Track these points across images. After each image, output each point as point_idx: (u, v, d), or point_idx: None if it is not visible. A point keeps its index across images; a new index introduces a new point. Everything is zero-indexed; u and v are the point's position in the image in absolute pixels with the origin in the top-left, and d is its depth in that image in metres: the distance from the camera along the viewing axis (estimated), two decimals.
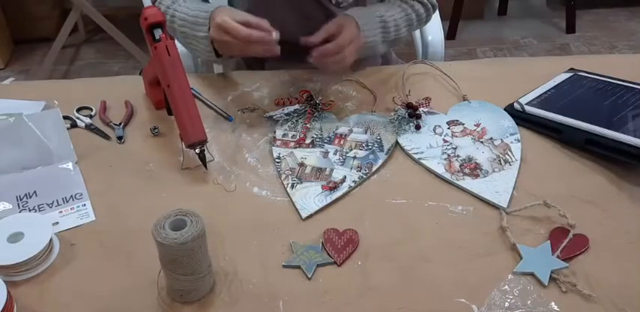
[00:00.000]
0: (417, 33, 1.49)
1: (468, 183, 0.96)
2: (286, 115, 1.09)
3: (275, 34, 0.99)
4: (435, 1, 1.25)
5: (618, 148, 0.96)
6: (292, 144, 1.04)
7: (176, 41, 1.24)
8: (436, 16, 1.46)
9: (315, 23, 1.20)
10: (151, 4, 1.09)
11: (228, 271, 0.83)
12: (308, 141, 1.05)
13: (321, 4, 1.15)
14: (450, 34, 2.91)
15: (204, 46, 1.09)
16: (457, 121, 1.09)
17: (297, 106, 1.10)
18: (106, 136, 1.08)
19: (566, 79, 1.16)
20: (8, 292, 0.74)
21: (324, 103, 1.11)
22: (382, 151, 1.02)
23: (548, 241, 0.85)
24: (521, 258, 0.83)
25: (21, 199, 0.94)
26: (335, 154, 1.02)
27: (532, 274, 0.81)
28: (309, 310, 0.78)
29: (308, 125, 1.08)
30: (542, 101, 1.10)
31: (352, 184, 0.96)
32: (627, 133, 0.96)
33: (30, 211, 0.92)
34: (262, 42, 0.99)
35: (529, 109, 1.08)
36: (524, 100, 1.10)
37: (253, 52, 1.02)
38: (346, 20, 1.08)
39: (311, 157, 1.02)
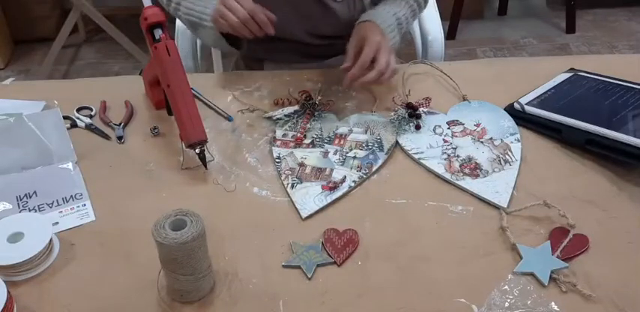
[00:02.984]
0: (417, 33, 1.49)
1: (467, 183, 0.96)
2: (286, 116, 1.09)
3: (271, 30, 1.05)
4: None
5: (618, 148, 0.96)
6: (292, 144, 1.04)
7: (176, 42, 1.25)
8: (436, 16, 1.46)
9: (314, 21, 1.20)
10: (150, 4, 1.09)
11: (228, 271, 0.83)
12: (308, 141, 1.05)
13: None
14: (450, 34, 2.91)
15: (212, 36, 1.12)
16: (457, 121, 1.09)
17: (296, 107, 1.10)
18: (106, 136, 1.08)
19: (566, 79, 1.16)
20: (8, 292, 0.74)
21: (324, 103, 1.11)
22: (382, 151, 1.02)
23: (548, 241, 0.85)
24: (521, 258, 0.83)
25: (21, 199, 0.94)
26: (335, 154, 1.02)
27: (532, 274, 0.81)
28: (309, 310, 0.78)
29: (307, 125, 1.07)
30: (542, 101, 1.10)
31: (352, 184, 0.96)
32: (627, 133, 0.96)
33: (30, 211, 0.92)
34: (260, 22, 1.04)
35: (529, 109, 1.08)
36: (524, 100, 1.10)
37: (244, 29, 1.04)
38: (367, 29, 1.07)
39: (311, 157, 1.02)
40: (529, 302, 0.78)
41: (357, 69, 1.03)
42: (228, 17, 1.04)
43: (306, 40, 1.24)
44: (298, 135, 1.05)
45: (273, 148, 1.03)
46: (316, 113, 1.10)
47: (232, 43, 1.15)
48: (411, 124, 1.07)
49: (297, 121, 1.09)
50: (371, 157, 1.01)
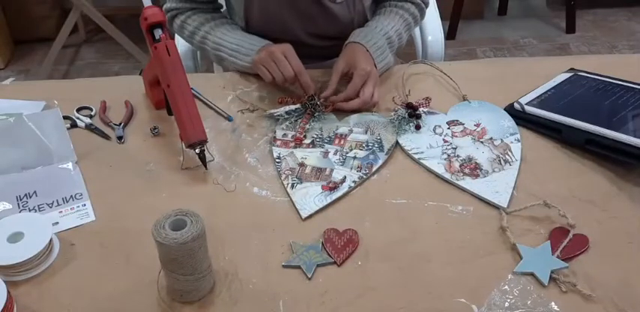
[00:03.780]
0: (417, 33, 1.49)
1: (467, 183, 0.96)
2: (287, 113, 1.09)
3: (311, 92, 1.10)
4: None
5: (618, 148, 0.96)
6: (292, 144, 1.04)
7: (176, 42, 1.25)
8: (436, 16, 1.46)
9: (314, 21, 1.20)
10: (150, 4, 1.09)
11: (228, 271, 0.83)
12: (308, 141, 1.05)
13: (316, 1, 1.15)
14: (450, 34, 2.91)
15: (241, 69, 1.18)
16: (457, 121, 1.09)
17: (298, 106, 1.10)
18: (106, 136, 1.08)
19: (566, 79, 1.16)
20: (8, 292, 0.74)
21: (325, 105, 1.10)
22: (382, 151, 1.02)
23: (548, 241, 0.85)
24: (521, 258, 0.83)
25: (21, 199, 0.94)
26: (335, 154, 1.02)
27: (532, 274, 0.81)
28: (309, 310, 0.78)
29: (306, 126, 1.07)
30: (542, 101, 1.10)
31: (352, 184, 0.96)
32: (627, 133, 0.96)
33: (30, 211, 0.92)
34: (304, 84, 1.09)
35: (529, 109, 1.08)
36: (524, 100, 1.10)
37: (283, 83, 1.10)
38: (357, 56, 1.10)
39: (311, 157, 1.02)
40: (529, 302, 0.78)
41: (343, 98, 1.08)
42: (273, 70, 1.09)
43: (306, 41, 1.24)
44: (297, 135, 1.05)
45: (273, 148, 1.03)
46: (316, 114, 1.10)
47: None
48: (411, 124, 1.07)
49: (296, 120, 1.09)
50: (371, 157, 1.01)
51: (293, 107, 1.09)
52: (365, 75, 1.07)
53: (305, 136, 1.06)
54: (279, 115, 1.09)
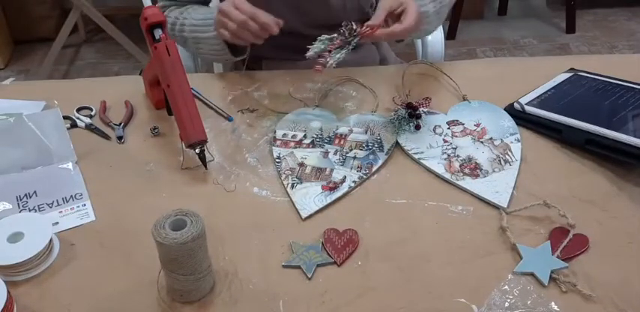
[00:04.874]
0: None
1: (467, 183, 0.96)
2: (322, 43, 1.01)
3: (276, 29, 1.03)
4: None
5: (618, 148, 0.96)
6: (292, 144, 1.04)
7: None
8: None
9: (307, 10, 1.20)
10: (150, 4, 1.09)
11: (228, 271, 0.83)
12: (308, 141, 1.05)
13: None
14: (450, 34, 2.91)
15: (215, 45, 1.13)
16: (457, 121, 1.09)
17: (334, 35, 1.01)
18: (106, 136, 1.08)
19: (566, 79, 1.16)
20: (8, 292, 0.74)
21: (364, 34, 1.00)
22: (382, 151, 1.02)
23: (548, 241, 0.85)
24: (521, 258, 0.83)
25: (21, 199, 0.94)
26: (335, 154, 1.02)
27: (532, 274, 0.81)
28: (309, 310, 0.78)
29: (337, 55, 1.00)
30: (542, 101, 1.10)
31: (352, 185, 0.96)
32: (627, 133, 0.96)
33: (30, 211, 0.92)
34: (261, 24, 1.02)
35: (529, 109, 1.08)
36: (524, 100, 1.10)
37: (244, 33, 1.04)
38: None
39: (311, 157, 1.02)
40: (529, 302, 0.78)
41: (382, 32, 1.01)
42: (227, 24, 1.04)
43: (302, 31, 1.23)
44: (321, 61, 0.98)
45: (273, 148, 1.03)
46: (350, 40, 1.01)
47: (235, 52, 1.16)
48: (411, 124, 1.07)
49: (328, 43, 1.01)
50: (371, 157, 1.01)
51: (329, 36, 1.02)
52: (416, 17, 1.02)
53: (330, 63, 0.98)
54: (316, 47, 1.01)
